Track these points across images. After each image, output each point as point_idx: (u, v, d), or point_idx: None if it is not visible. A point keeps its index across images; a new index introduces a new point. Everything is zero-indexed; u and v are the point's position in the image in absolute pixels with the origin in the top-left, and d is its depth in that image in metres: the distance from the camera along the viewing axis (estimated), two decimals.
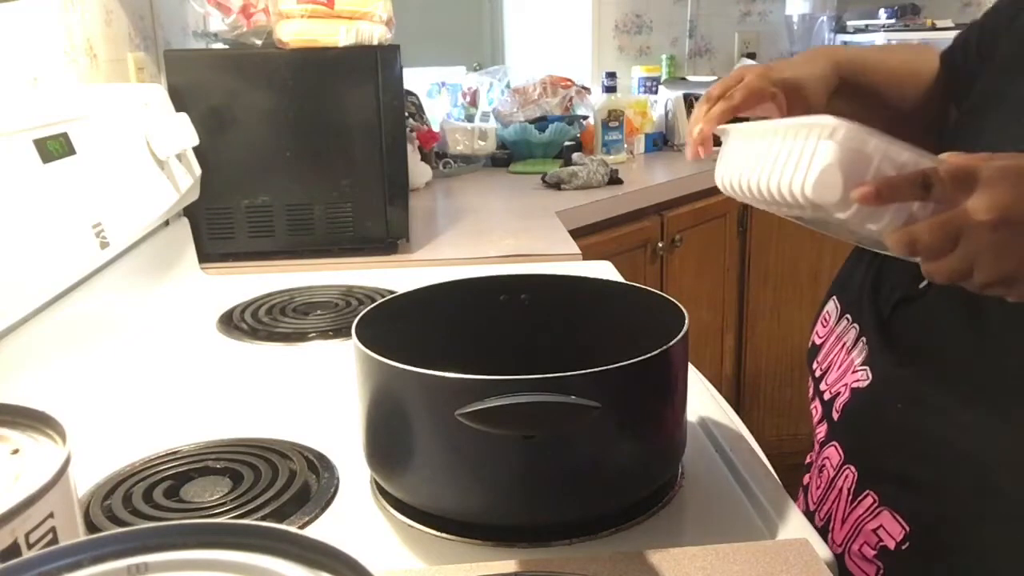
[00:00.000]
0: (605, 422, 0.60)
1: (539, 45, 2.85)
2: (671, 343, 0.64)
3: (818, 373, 0.82)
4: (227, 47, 1.45)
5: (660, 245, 2.05)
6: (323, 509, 0.69)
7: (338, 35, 1.37)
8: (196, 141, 1.31)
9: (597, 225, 1.90)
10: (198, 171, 1.35)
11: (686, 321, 0.68)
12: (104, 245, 0.97)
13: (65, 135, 0.94)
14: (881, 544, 0.67)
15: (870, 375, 0.73)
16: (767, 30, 2.95)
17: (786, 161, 0.60)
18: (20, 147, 0.86)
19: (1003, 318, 0.62)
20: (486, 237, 1.58)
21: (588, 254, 1.44)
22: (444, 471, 0.63)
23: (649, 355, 0.62)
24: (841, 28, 2.88)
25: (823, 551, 0.62)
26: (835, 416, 0.76)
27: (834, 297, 0.85)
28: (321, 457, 0.76)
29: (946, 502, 0.65)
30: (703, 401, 0.88)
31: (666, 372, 0.66)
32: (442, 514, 0.65)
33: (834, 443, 0.75)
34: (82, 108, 1.03)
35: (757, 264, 2.36)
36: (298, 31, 1.37)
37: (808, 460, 0.84)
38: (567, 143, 2.38)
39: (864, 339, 0.76)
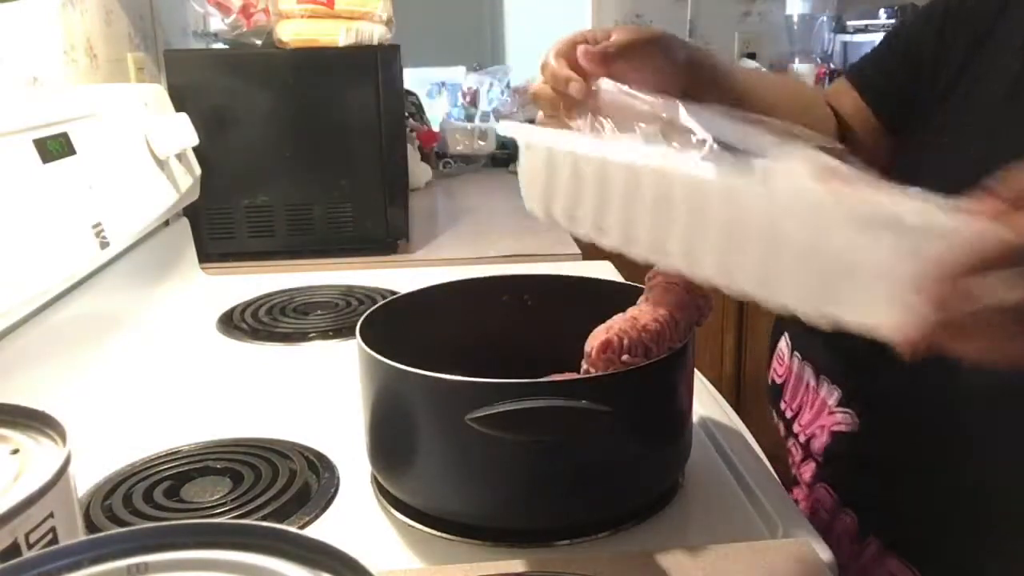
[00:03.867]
0: (615, 426, 0.60)
1: (539, 45, 2.85)
2: (679, 345, 0.64)
3: (788, 414, 0.79)
4: (227, 47, 1.45)
5: None
6: (323, 509, 0.69)
7: (338, 35, 1.37)
8: (196, 141, 1.31)
9: None
10: (198, 171, 1.35)
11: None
12: (104, 245, 0.97)
13: (65, 135, 0.94)
14: None
15: (855, 418, 0.70)
16: (767, 30, 2.95)
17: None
18: (20, 147, 0.86)
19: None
20: (486, 237, 1.58)
21: (588, 254, 1.44)
22: (452, 474, 0.63)
23: (658, 358, 0.62)
24: (841, 28, 2.87)
25: (823, 551, 0.62)
26: (818, 458, 0.73)
27: (785, 334, 0.82)
28: (321, 457, 0.76)
29: (956, 544, 0.62)
30: (703, 401, 0.88)
31: (675, 375, 0.66)
32: (449, 517, 0.65)
33: (823, 485, 0.72)
34: (82, 108, 1.02)
35: None
36: (298, 31, 1.37)
37: (793, 496, 0.80)
38: None
39: (827, 378, 0.73)
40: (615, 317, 0.63)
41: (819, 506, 0.72)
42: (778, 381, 0.83)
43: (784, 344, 0.82)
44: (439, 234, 1.62)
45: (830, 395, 0.73)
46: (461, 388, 0.59)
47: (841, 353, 0.73)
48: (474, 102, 2.53)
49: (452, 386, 0.60)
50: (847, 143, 0.77)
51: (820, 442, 0.73)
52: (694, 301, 0.67)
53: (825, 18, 2.85)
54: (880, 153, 0.76)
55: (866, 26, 2.77)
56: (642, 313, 0.63)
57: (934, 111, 0.71)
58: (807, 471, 0.76)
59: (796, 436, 0.77)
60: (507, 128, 0.60)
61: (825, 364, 0.74)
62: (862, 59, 0.84)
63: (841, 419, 0.71)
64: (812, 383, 0.76)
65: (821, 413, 0.73)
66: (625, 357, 0.60)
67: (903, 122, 0.76)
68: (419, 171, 2.03)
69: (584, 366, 0.62)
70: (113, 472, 0.74)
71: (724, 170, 0.43)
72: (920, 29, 0.77)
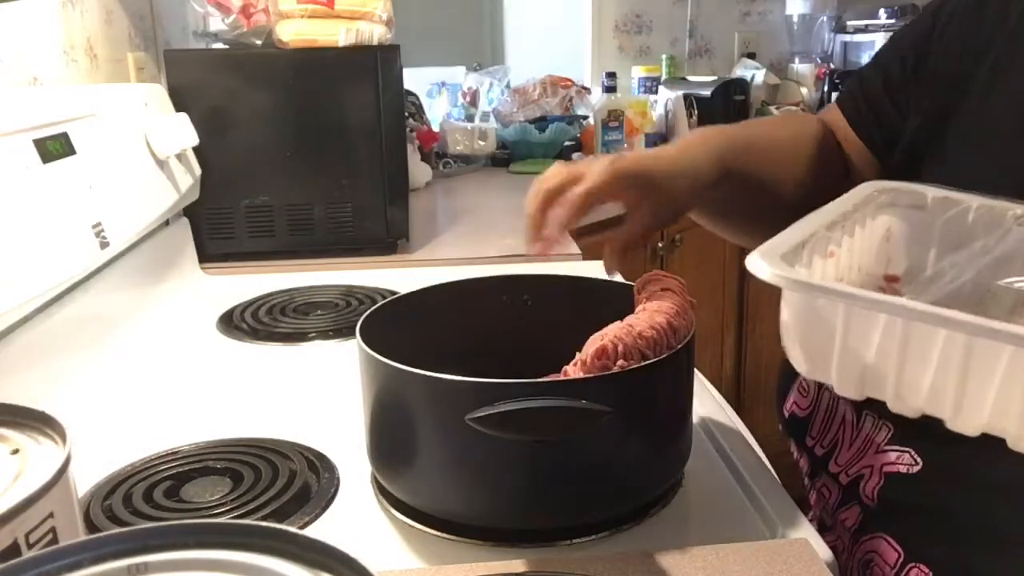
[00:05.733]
0: (615, 426, 0.60)
1: (539, 45, 2.85)
2: (679, 346, 0.64)
3: (819, 451, 0.75)
4: (227, 47, 1.45)
5: (660, 245, 2.05)
6: (323, 509, 0.69)
7: (338, 35, 1.37)
8: (196, 141, 1.31)
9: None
10: (198, 171, 1.35)
11: (693, 324, 0.68)
12: (104, 245, 0.97)
13: (65, 135, 0.94)
14: None
15: (915, 457, 0.64)
16: (767, 30, 2.95)
17: None
18: (20, 147, 0.86)
19: None
20: (486, 237, 1.58)
21: (588, 254, 1.44)
22: (452, 474, 0.63)
23: (658, 359, 0.62)
24: (841, 28, 2.87)
25: (823, 551, 0.62)
26: (869, 503, 0.67)
27: None
28: (321, 457, 0.76)
29: None
30: (703, 401, 0.88)
31: (675, 375, 0.66)
32: (450, 517, 0.65)
33: (882, 536, 0.66)
34: (82, 108, 1.02)
35: None
36: (298, 31, 1.37)
37: (809, 516, 0.74)
38: (567, 143, 2.38)
39: (872, 413, 0.68)
40: (611, 325, 0.63)
41: (875, 557, 0.66)
42: (800, 414, 0.79)
43: None
44: (439, 234, 1.62)
45: (877, 432, 0.68)
46: (461, 388, 0.59)
47: None
48: (474, 102, 2.53)
49: (452, 386, 0.60)
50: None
51: (872, 485, 0.67)
52: (691, 306, 0.67)
53: (825, 18, 2.85)
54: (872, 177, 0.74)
55: (866, 26, 2.77)
56: (639, 320, 0.63)
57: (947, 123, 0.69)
58: (849, 516, 0.71)
59: (835, 476, 0.72)
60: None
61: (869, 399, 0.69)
62: (850, 86, 0.83)
63: (896, 458, 0.65)
64: (849, 418, 0.71)
65: (866, 451, 0.69)
66: (621, 362, 0.60)
67: (893, 154, 0.75)
68: (419, 171, 2.02)
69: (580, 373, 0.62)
70: (113, 472, 0.74)
71: None
72: (912, 42, 0.76)
